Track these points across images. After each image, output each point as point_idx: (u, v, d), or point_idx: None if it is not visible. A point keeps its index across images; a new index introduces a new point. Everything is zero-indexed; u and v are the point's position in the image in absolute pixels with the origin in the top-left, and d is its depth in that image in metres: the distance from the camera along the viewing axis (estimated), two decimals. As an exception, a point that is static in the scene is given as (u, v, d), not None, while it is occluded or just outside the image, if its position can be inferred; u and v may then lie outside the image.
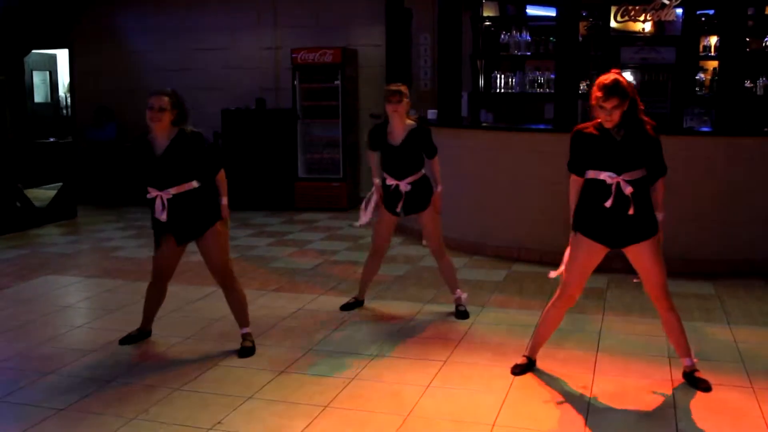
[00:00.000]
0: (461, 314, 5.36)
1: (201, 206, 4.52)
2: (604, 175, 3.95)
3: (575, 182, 4.13)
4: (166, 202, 4.45)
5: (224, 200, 4.61)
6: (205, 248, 4.60)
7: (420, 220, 5.37)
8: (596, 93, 3.89)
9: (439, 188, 5.32)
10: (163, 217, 4.46)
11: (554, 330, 4.37)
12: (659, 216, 4.02)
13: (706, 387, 4.04)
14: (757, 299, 5.77)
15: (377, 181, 5.40)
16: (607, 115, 3.89)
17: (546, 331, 4.36)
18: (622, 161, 3.93)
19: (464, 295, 5.48)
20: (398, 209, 5.28)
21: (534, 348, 4.39)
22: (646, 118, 4.00)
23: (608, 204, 3.92)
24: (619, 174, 3.92)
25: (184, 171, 4.46)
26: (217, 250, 4.60)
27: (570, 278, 4.15)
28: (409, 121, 5.30)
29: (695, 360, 4.17)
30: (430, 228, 5.35)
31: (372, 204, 5.45)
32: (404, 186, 5.22)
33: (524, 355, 4.39)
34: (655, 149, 3.99)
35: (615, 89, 3.84)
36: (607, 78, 3.88)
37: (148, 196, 4.52)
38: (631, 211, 3.90)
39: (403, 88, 5.28)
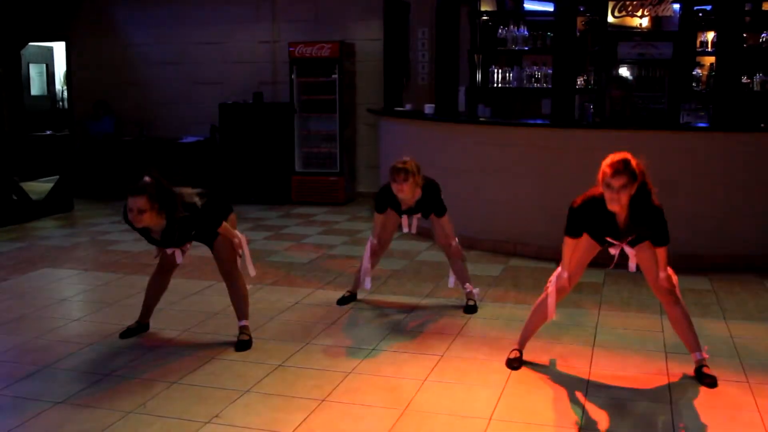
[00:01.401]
0: (470, 308, 5.37)
1: (210, 225, 4.62)
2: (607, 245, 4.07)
3: (570, 244, 4.10)
4: (187, 250, 4.77)
5: (237, 239, 4.71)
6: (216, 243, 4.69)
7: (432, 222, 5.38)
8: (604, 169, 3.76)
9: (455, 242, 5.35)
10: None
11: (545, 321, 4.38)
12: (662, 274, 4.03)
13: (710, 383, 4.03)
14: (753, 295, 5.79)
15: (374, 241, 5.40)
16: (614, 194, 3.76)
17: (537, 323, 4.38)
18: (623, 239, 4.00)
19: (476, 290, 5.49)
20: (409, 230, 5.36)
21: (524, 340, 4.41)
22: (656, 203, 3.87)
23: (610, 268, 4.14)
24: (621, 242, 4.03)
25: (189, 236, 4.61)
26: (227, 244, 4.69)
27: (569, 269, 4.18)
28: (417, 189, 5.08)
29: (706, 356, 4.17)
30: (442, 226, 5.34)
31: (371, 257, 5.44)
32: (416, 219, 5.35)
33: (516, 349, 4.40)
34: (660, 231, 3.93)
35: (625, 168, 3.72)
36: (618, 155, 3.77)
37: (168, 251, 4.70)
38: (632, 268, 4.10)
39: (410, 166, 4.91)
